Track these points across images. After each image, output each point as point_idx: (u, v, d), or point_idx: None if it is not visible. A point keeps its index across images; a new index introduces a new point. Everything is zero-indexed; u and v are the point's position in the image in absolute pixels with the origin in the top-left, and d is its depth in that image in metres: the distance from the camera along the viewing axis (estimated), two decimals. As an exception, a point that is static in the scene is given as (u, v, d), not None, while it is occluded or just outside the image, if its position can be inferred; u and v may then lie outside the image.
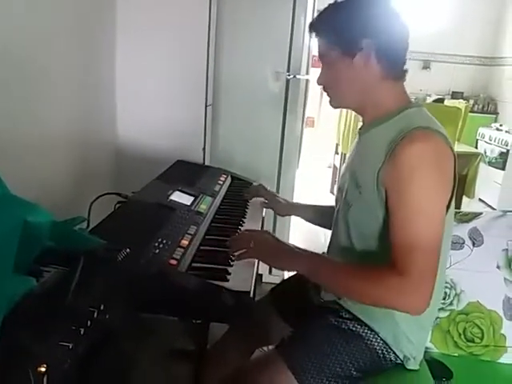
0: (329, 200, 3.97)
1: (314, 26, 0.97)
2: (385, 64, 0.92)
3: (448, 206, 0.87)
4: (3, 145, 0.96)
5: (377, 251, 0.92)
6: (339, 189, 1.06)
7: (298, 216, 1.37)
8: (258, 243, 0.96)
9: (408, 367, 0.96)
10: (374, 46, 0.90)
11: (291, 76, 2.02)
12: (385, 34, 0.90)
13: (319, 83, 1.00)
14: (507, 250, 1.26)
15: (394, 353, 0.95)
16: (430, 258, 0.81)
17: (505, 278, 1.25)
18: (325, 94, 1.02)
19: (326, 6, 0.96)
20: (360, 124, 1.04)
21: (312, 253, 0.93)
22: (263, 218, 1.38)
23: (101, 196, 1.09)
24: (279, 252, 0.94)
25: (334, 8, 0.95)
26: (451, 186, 0.87)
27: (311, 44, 2.29)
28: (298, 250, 0.94)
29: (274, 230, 2.24)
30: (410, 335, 0.95)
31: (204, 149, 1.79)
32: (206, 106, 1.76)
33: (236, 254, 0.97)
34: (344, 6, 0.93)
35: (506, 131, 4.13)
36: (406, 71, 0.96)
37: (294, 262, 0.92)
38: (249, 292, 0.86)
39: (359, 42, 0.90)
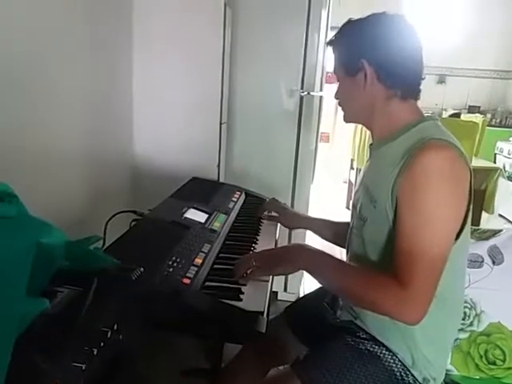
0: (344, 216, 3.93)
1: (330, 42, 1.02)
2: (387, 84, 0.93)
3: (464, 222, 0.86)
4: (15, 161, 0.97)
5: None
6: (353, 205, 1.05)
7: (308, 229, 1.34)
8: (259, 259, 0.96)
9: (428, 389, 0.93)
10: (373, 67, 0.92)
11: (305, 93, 2.03)
12: (382, 56, 0.91)
13: (335, 97, 1.04)
14: (529, 268, 1.23)
15: (413, 375, 0.92)
16: (433, 272, 0.80)
17: (527, 298, 1.21)
18: (339, 109, 1.05)
19: (340, 22, 1.00)
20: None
21: (310, 248, 0.94)
22: (277, 236, 1.37)
23: (116, 214, 1.10)
24: (281, 257, 0.96)
25: (345, 27, 0.98)
26: (466, 200, 0.85)
27: (325, 61, 2.31)
28: (296, 247, 0.96)
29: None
30: (429, 356, 0.92)
31: (219, 166, 1.80)
32: (220, 124, 1.77)
33: (243, 277, 0.95)
34: (350, 28, 0.97)
35: (526, 145, 4.06)
36: (418, 91, 0.95)
37: (296, 259, 0.93)
38: (262, 312, 0.85)
39: (357, 62, 0.93)
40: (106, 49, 1.46)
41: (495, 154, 4.43)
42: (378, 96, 0.94)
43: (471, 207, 0.88)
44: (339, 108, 1.06)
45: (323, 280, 0.93)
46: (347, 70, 0.96)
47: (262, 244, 1.21)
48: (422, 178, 0.81)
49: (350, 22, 0.98)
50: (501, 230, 1.32)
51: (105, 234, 1.03)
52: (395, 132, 0.93)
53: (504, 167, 4.04)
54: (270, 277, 1.00)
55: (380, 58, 0.92)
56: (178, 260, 0.92)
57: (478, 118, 4.11)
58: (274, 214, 1.40)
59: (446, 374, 1.03)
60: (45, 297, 0.54)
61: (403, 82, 0.93)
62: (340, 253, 1.14)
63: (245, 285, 0.94)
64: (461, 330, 1.19)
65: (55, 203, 1.13)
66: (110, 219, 1.09)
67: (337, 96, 1.03)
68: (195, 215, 1.20)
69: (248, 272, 0.95)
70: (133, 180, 1.75)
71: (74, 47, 1.25)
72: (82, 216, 1.29)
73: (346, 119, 1.05)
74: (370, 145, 1.03)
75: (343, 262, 0.94)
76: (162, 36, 1.68)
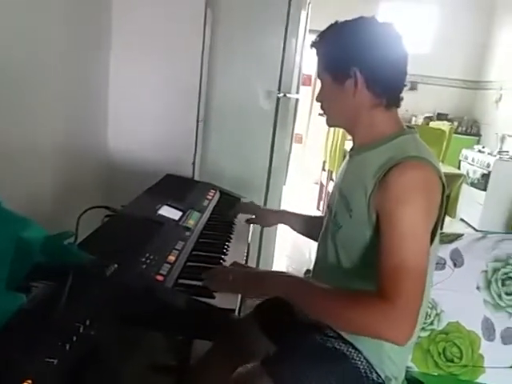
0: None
1: (314, 44, 0.99)
2: (376, 92, 0.92)
3: (435, 232, 0.89)
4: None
5: (364, 272, 0.92)
6: (328, 206, 1.08)
7: (285, 224, 1.37)
8: (236, 277, 0.94)
9: (389, 387, 0.97)
10: (363, 75, 0.91)
11: (282, 95, 2.06)
12: (374, 64, 0.91)
13: (317, 100, 1.02)
14: (486, 271, 1.30)
15: (377, 372, 0.96)
16: (416, 285, 0.79)
17: (484, 300, 1.27)
18: (313, 112, 1.05)
19: (319, 26, 0.98)
20: (347, 143, 1.06)
21: (291, 275, 0.92)
22: (250, 235, 1.39)
23: (89, 209, 1.09)
24: (257, 280, 0.94)
25: (330, 31, 0.96)
26: (437, 213, 0.88)
27: (302, 64, 2.34)
28: (276, 274, 0.95)
29: (259, 246, 2.25)
30: (393, 355, 0.95)
31: (194, 163, 1.80)
32: (197, 122, 1.78)
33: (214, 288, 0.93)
34: (338, 32, 0.94)
35: (488, 153, 4.24)
36: (400, 99, 0.96)
37: (272, 286, 0.91)
38: (234, 310, 0.86)
39: (347, 69, 0.91)
40: (82, 43, 1.44)
41: (460, 160, 4.60)
42: (364, 104, 0.94)
43: (441, 218, 0.91)
44: (313, 110, 1.06)
45: (307, 308, 0.89)
46: (335, 76, 0.94)
47: (235, 243, 1.23)
48: (399, 195, 0.83)
49: (336, 24, 0.95)
50: (462, 234, 1.38)
51: (77, 229, 1.02)
52: (376, 141, 0.94)
53: (468, 174, 4.22)
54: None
55: (371, 67, 0.90)
56: (152, 257, 0.92)
57: (445, 126, 4.26)
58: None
59: (407, 370, 1.07)
60: (21, 292, 0.54)
61: (390, 91, 0.94)
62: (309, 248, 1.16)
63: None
64: (422, 328, 1.24)
65: (26, 197, 1.11)
66: (82, 214, 1.08)
67: (319, 99, 1.01)
68: (169, 212, 1.21)
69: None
70: (106, 175, 1.73)
71: (49, 40, 1.22)
72: (53, 210, 1.27)
73: (330, 123, 1.05)
74: (350, 150, 1.04)
75: (326, 287, 0.87)
76: (140, 33, 1.67)
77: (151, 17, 1.66)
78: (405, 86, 0.96)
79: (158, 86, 1.72)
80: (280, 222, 1.40)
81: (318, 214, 4.07)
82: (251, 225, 1.42)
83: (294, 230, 1.34)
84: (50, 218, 1.04)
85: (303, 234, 1.33)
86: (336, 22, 0.96)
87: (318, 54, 0.99)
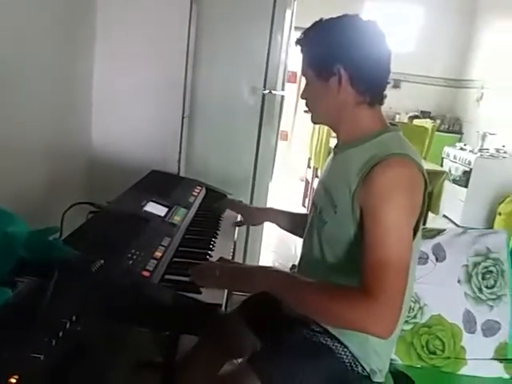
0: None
1: (299, 42, 1.00)
2: (359, 90, 0.93)
3: (417, 228, 0.91)
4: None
5: (349, 268, 0.93)
6: (313, 203, 1.09)
7: (271, 222, 1.38)
8: (223, 273, 0.94)
9: (374, 380, 0.98)
10: (347, 72, 0.92)
11: (267, 91, 2.07)
12: (358, 61, 0.92)
13: (302, 97, 1.03)
14: (467, 265, 1.33)
15: (362, 366, 0.97)
16: (399, 280, 0.81)
17: (465, 293, 1.31)
18: (298, 108, 1.07)
19: (303, 23, 0.99)
20: (332, 140, 1.08)
21: (277, 270, 0.93)
22: (236, 232, 1.39)
23: (73, 205, 1.08)
24: (246, 277, 0.94)
25: (315, 29, 0.97)
26: (419, 209, 0.90)
27: (287, 60, 2.35)
28: (262, 269, 0.96)
29: (246, 241, 2.25)
30: (378, 348, 0.97)
31: (179, 160, 1.80)
32: (182, 118, 1.77)
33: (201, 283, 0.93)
34: (323, 29, 0.95)
35: (470, 151, 4.32)
36: (384, 96, 0.98)
37: (259, 281, 0.91)
38: (221, 305, 0.87)
39: (331, 67, 0.92)
40: (66, 39, 1.42)
41: (442, 158, 4.68)
42: (348, 101, 0.95)
43: (423, 214, 0.92)
44: (298, 107, 1.07)
45: (293, 302, 0.90)
46: (319, 73, 0.95)
47: (222, 239, 1.23)
48: (383, 191, 0.84)
49: (321, 21, 0.96)
50: (444, 230, 1.42)
51: (61, 225, 1.01)
52: (359, 138, 0.95)
53: (450, 171, 4.29)
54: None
55: (355, 64, 0.91)
56: (138, 253, 0.92)
57: (428, 124, 4.33)
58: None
59: (391, 363, 1.09)
60: (6, 286, 0.53)
61: (374, 88, 0.95)
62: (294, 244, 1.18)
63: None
64: (405, 322, 1.26)
65: (10, 193, 1.09)
66: (67, 210, 1.07)
67: (304, 96, 1.02)
68: (155, 208, 1.20)
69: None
70: (91, 172, 1.71)
71: (33, 37, 1.20)
72: (38, 207, 1.25)
73: (314, 120, 1.06)
74: (334, 147, 1.06)
75: (312, 281, 0.88)
76: (125, 28, 1.65)
77: (136, 12, 1.65)
78: (388, 83, 0.98)
79: (143, 82, 1.70)
80: (266, 220, 1.41)
81: (303, 210, 4.10)
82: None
83: (280, 227, 1.35)
84: (34, 214, 1.03)
85: (288, 231, 1.34)
86: (321, 20, 0.97)
87: (302, 51, 1.00)
